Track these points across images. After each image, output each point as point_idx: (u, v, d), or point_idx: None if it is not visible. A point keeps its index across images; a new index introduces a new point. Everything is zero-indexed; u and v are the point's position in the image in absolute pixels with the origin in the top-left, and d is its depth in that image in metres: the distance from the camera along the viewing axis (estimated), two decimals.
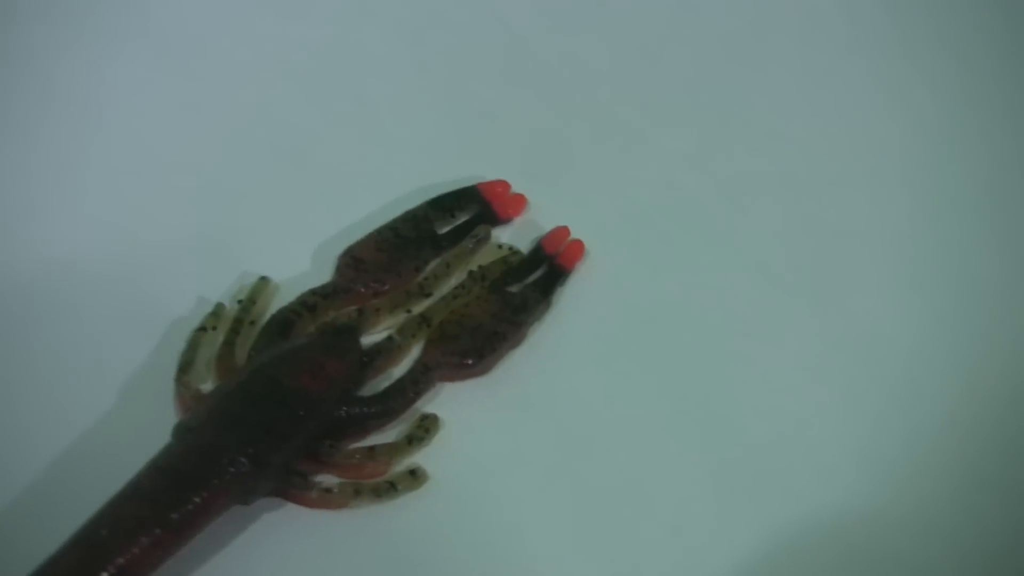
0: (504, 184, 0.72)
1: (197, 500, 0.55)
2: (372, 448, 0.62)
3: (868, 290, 0.70)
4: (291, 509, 0.61)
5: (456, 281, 0.68)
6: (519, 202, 0.72)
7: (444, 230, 0.70)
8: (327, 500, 0.60)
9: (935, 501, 0.62)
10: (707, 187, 0.74)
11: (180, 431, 0.58)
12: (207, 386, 0.62)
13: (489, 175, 0.73)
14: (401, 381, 0.64)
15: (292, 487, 0.60)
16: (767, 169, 0.74)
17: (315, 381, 0.61)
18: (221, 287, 0.67)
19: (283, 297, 0.67)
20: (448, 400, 0.65)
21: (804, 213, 0.72)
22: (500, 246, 0.70)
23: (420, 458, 0.63)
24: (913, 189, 0.74)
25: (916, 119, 0.76)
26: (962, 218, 0.73)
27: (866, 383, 0.66)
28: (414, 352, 0.66)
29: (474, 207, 0.71)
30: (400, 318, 0.67)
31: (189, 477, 0.56)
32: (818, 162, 0.75)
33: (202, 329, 0.65)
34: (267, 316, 0.65)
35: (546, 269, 0.69)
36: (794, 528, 0.62)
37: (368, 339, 0.66)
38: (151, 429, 0.59)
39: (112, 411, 0.63)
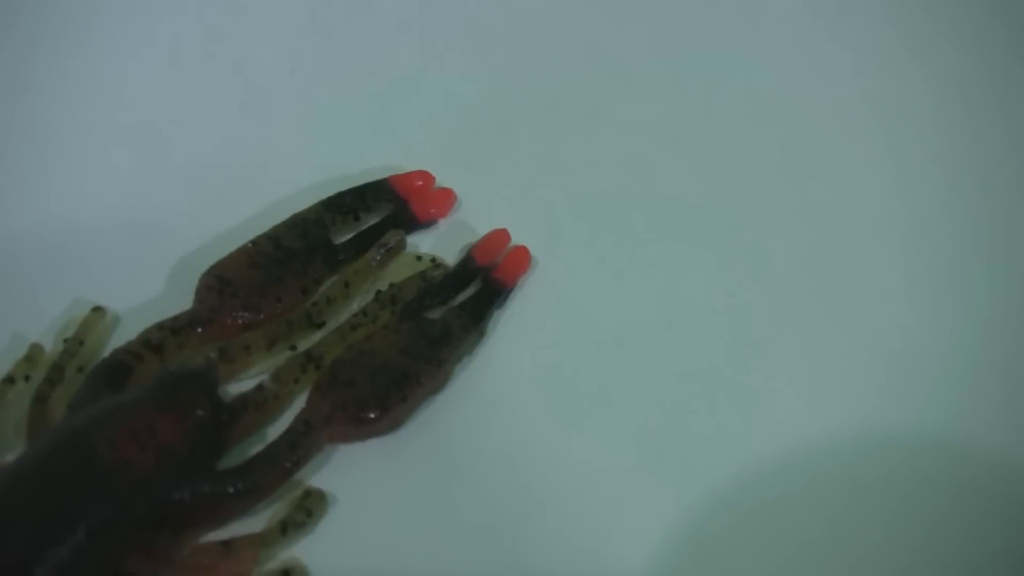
0: (425, 175, 0.59)
1: None
2: (230, 542, 0.48)
3: (871, 284, 0.58)
4: None
5: (357, 306, 0.55)
6: (446, 198, 0.58)
7: (344, 238, 0.57)
8: None
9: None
10: (682, 171, 0.61)
11: None
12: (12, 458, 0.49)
13: (406, 165, 0.59)
14: (274, 446, 0.50)
15: None
16: (754, 147, 0.62)
17: (143, 452, 0.47)
18: (41, 322, 0.54)
19: (124, 333, 0.53)
20: (341, 469, 0.51)
21: (799, 198, 0.60)
22: (419, 257, 0.56)
23: (299, 550, 0.49)
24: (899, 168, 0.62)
25: (909, 91, 0.65)
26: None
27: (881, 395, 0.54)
28: (297, 404, 0.51)
29: (385, 206, 0.58)
30: (280, 357, 0.53)
31: None
32: (813, 140, 0.62)
33: (8, 381, 0.51)
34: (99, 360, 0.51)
35: (479, 286, 0.56)
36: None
37: (234, 387, 0.52)
38: None
39: None
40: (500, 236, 0.57)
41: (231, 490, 0.48)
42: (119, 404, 0.48)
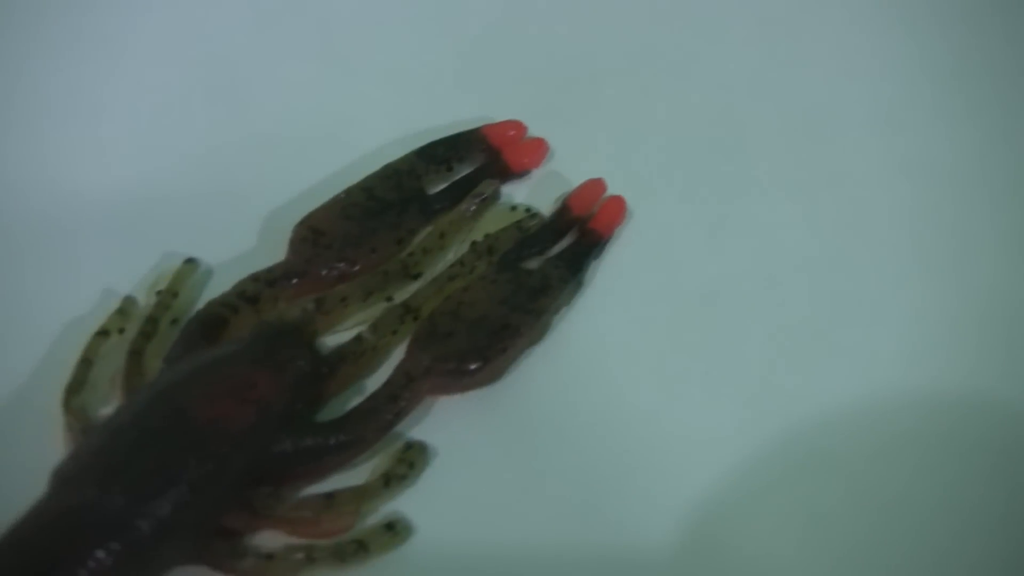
0: (517, 125, 0.56)
1: None
2: (331, 495, 0.46)
3: (971, 240, 0.55)
4: None
5: (453, 257, 0.52)
6: (537, 149, 0.56)
7: (437, 189, 0.54)
8: (268, 570, 0.44)
9: None
10: (774, 124, 0.58)
11: (55, 482, 0.43)
12: (110, 412, 0.47)
13: (497, 115, 0.57)
14: (374, 398, 0.48)
15: (217, 553, 0.44)
16: (848, 101, 0.59)
17: (242, 406, 0.45)
18: (134, 274, 0.52)
19: (217, 286, 0.51)
20: (441, 421, 0.49)
21: (894, 152, 0.57)
22: (513, 208, 0.54)
23: (401, 504, 0.47)
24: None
25: None
26: None
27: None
28: (395, 356, 0.49)
29: (478, 157, 0.55)
30: (377, 309, 0.50)
31: (60, 550, 0.41)
32: (907, 92, 0.59)
33: (103, 333, 0.49)
34: (193, 313, 0.50)
35: (575, 237, 0.53)
36: None
37: (332, 339, 0.50)
38: (27, 478, 0.43)
39: None
40: (596, 186, 0.54)
41: (332, 443, 0.46)
42: (217, 357, 0.47)
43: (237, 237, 0.53)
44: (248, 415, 0.45)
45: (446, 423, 0.49)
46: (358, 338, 0.49)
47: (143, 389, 0.46)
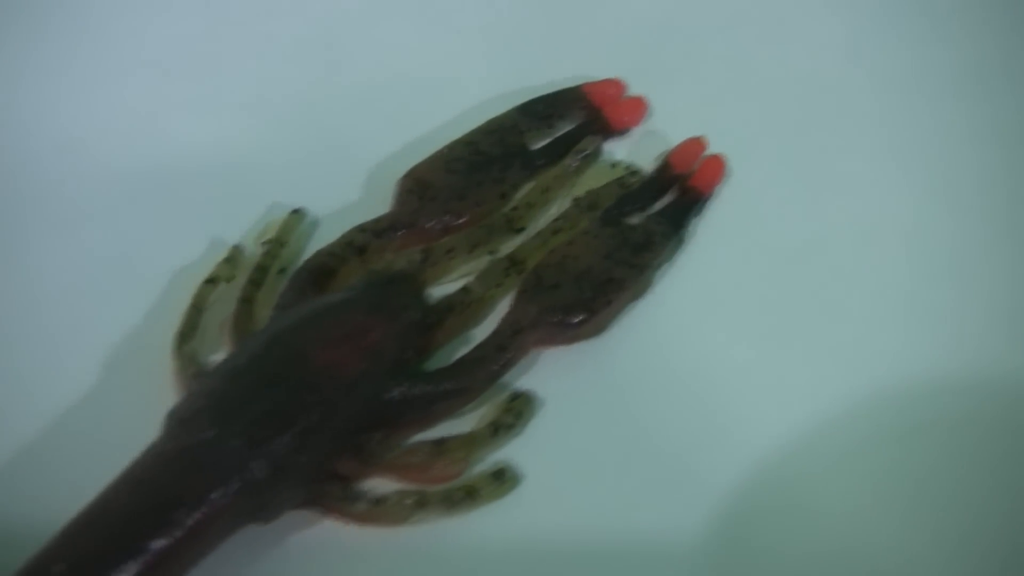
0: (617, 84, 0.55)
1: (190, 522, 0.40)
2: (441, 441, 0.45)
3: None
4: (330, 528, 0.44)
5: (556, 211, 0.52)
6: (637, 107, 0.55)
7: (539, 144, 0.54)
8: (379, 514, 0.44)
9: None
10: (874, 83, 0.57)
11: (171, 424, 0.43)
12: (219, 358, 0.47)
13: (597, 74, 0.56)
14: (481, 348, 0.47)
15: (329, 497, 0.44)
16: (940, 66, 0.57)
17: (356, 352, 0.45)
18: (241, 224, 0.51)
19: (323, 236, 0.51)
20: (546, 372, 0.48)
21: (986, 116, 0.56)
22: (613, 164, 0.53)
23: (508, 453, 0.46)
24: None
25: None
26: None
27: None
28: (500, 308, 0.49)
29: (578, 114, 0.55)
30: (481, 262, 0.50)
31: (178, 490, 0.41)
32: (997, 56, 0.58)
33: (212, 281, 0.49)
34: (301, 262, 0.49)
35: (676, 194, 0.52)
36: None
37: (437, 290, 0.49)
38: (139, 419, 0.43)
39: (87, 394, 0.47)
40: (696, 144, 0.53)
41: (441, 390, 0.46)
42: (331, 304, 0.46)
43: (341, 189, 0.52)
44: (362, 361, 0.44)
45: (551, 375, 0.48)
46: (465, 289, 0.48)
47: (258, 334, 0.46)
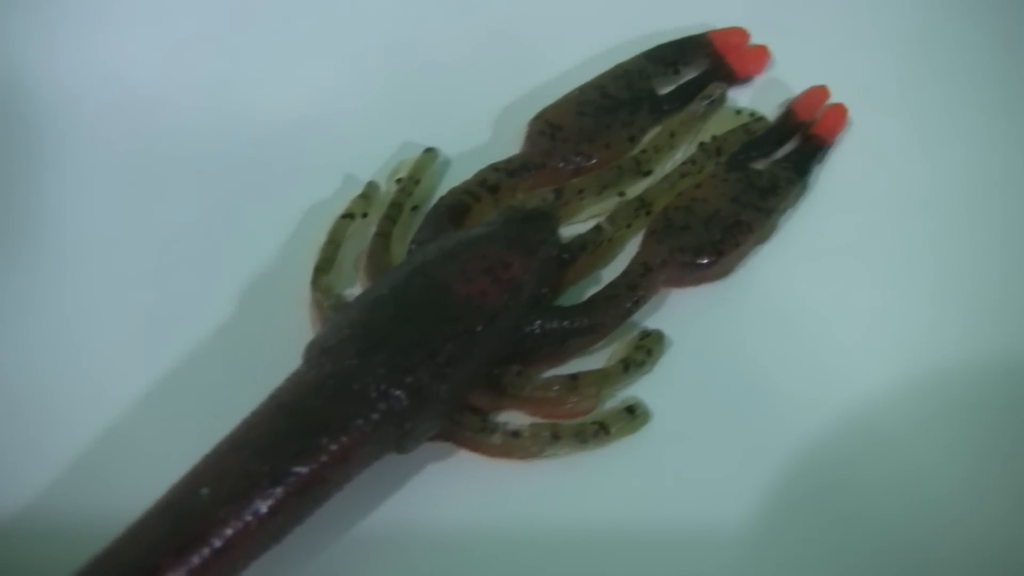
0: (741, 33, 0.54)
1: (334, 448, 0.39)
2: (576, 376, 0.45)
3: None
4: (464, 459, 0.44)
5: (683, 155, 0.51)
6: (760, 56, 0.54)
7: (665, 90, 0.53)
8: (514, 447, 0.44)
9: None
10: (998, 39, 0.55)
11: (313, 353, 0.42)
12: (353, 291, 0.47)
13: (720, 21, 0.55)
14: (614, 286, 0.47)
15: (466, 429, 0.43)
16: None
17: (496, 285, 0.44)
18: (374, 162, 0.51)
19: (454, 176, 0.50)
20: (673, 312, 0.48)
21: None
22: (738, 111, 0.52)
23: (638, 390, 0.45)
24: None
25: None
26: None
27: None
28: (628, 248, 0.48)
29: (703, 62, 0.54)
30: (610, 203, 0.49)
31: (322, 416, 0.40)
32: None
33: (348, 216, 0.48)
34: (433, 200, 0.49)
35: (799, 141, 0.51)
36: None
37: (568, 229, 0.48)
38: (278, 348, 0.44)
39: (225, 325, 0.47)
40: (819, 92, 0.52)
41: (575, 326, 0.45)
42: (471, 238, 0.45)
43: (470, 131, 0.52)
44: (502, 294, 0.44)
45: (678, 315, 0.47)
46: (597, 228, 0.48)
47: (399, 266, 0.45)
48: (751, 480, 0.44)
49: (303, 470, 0.39)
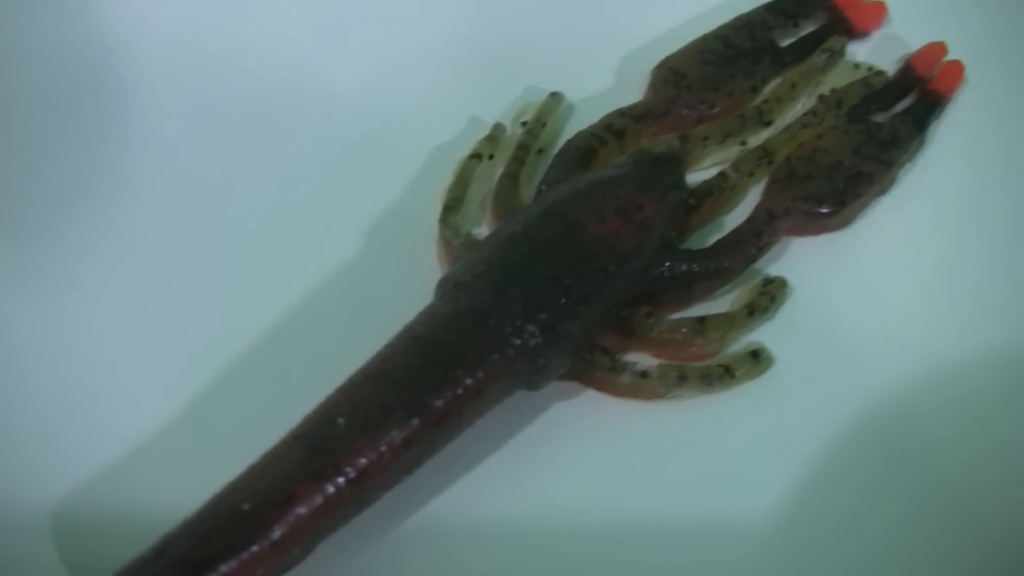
0: None
1: (468, 382, 0.39)
2: (702, 320, 0.44)
3: None
4: (592, 399, 0.43)
5: (803, 107, 0.50)
6: (878, 11, 0.53)
7: (785, 42, 0.52)
8: (641, 388, 0.43)
9: None
10: None
11: (446, 289, 0.42)
12: (480, 231, 0.46)
13: None
14: (738, 232, 0.46)
15: (596, 368, 0.43)
16: None
17: (629, 226, 0.43)
18: (499, 105, 0.50)
19: (578, 120, 0.49)
20: (795, 259, 0.47)
21: None
22: (856, 65, 0.51)
23: (761, 334, 0.45)
24: None
25: None
26: None
27: None
28: (748, 198, 0.48)
29: (821, 15, 0.53)
30: (731, 151, 0.49)
31: (457, 350, 0.39)
32: None
33: (475, 157, 0.48)
34: (559, 143, 0.48)
35: (917, 96, 0.51)
36: None
37: (690, 176, 0.48)
38: (404, 285, 0.44)
39: (354, 261, 0.46)
40: (937, 48, 0.51)
41: (702, 270, 0.45)
42: (604, 179, 0.45)
43: (593, 76, 0.51)
44: (634, 235, 0.43)
45: (798, 262, 0.47)
46: (722, 175, 0.47)
47: (531, 205, 0.44)
48: (867, 425, 0.43)
49: (439, 402, 0.38)
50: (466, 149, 0.48)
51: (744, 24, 0.51)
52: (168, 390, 0.43)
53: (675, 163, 0.46)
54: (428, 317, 0.41)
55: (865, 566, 0.41)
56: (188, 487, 0.37)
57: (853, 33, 0.52)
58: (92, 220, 0.47)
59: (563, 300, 0.41)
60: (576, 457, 0.42)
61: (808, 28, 0.52)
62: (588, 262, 0.42)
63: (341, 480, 0.37)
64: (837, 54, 0.51)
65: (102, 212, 0.47)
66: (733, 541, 0.41)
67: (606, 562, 0.41)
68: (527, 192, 0.47)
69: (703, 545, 0.41)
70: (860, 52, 0.52)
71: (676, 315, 0.45)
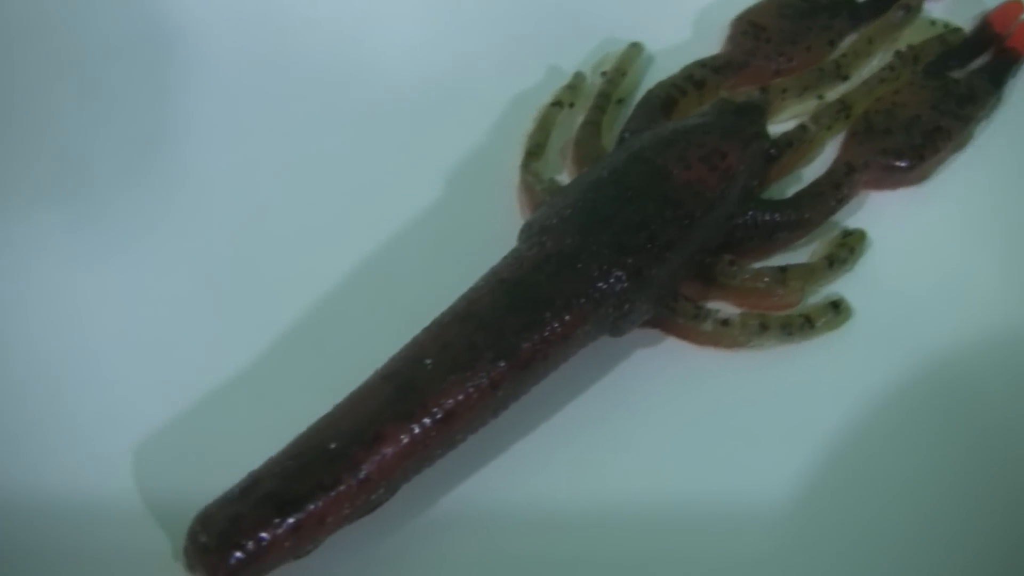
0: None
1: (555, 325, 0.39)
2: (784, 269, 0.43)
3: None
4: (674, 346, 0.43)
5: (880, 62, 0.49)
6: None
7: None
8: (723, 336, 0.43)
9: None
10: None
11: (531, 232, 0.41)
12: (560, 177, 0.46)
13: None
14: (818, 184, 0.45)
15: (679, 315, 0.42)
16: None
17: (713, 173, 0.43)
18: (578, 55, 0.50)
19: (657, 71, 0.49)
20: (872, 213, 0.46)
21: None
22: (933, 22, 0.51)
23: (840, 286, 0.44)
24: None
25: None
26: None
27: None
28: (827, 150, 0.47)
29: None
30: (808, 104, 0.48)
31: (544, 293, 0.39)
32: None
33: (556, 105, 0.47)
34: (638, 93, 0.48)
35: (993, 54, 0.50)
36: None
37: (770, 128, 0.47)
38: (487, 229, 0.44)
39: (437, 207, 0.46)
40: (1015, 7, 0.51)
41: (784, 220, 0.44)
42: (688, 127, 0.44)
43: (671, 29, 0.50)
44: (718, 183, 0.42)
45: (877, 215, 0.46)
46: (802, 127, 0.47)
47: (615, 152, 0.44)
48: (944, 378, 0.43)
49: (526, 344, 0.38)
50: (547, 97, 0.48)
51: None
52: (256, 331, 0.42)
53: (758, 113, 0.46)
54: (514, 260, 0.40)
55: (932, 509, 0.40)
56: (274, 428, 0.37)
57: None
58: (174, 164, 0.47)
59: (649, 245, 0.40)
60: (657, 404, 0.42)
61: None
62: (674, 208, 0.41)
63: (428, 421, 0.37)
64: (914, 10, 0.50)
65: (183, 154, 0.47)
66: (817, 486, 0.40)
67: (693, 505, 0.40)
68: (608, 140, 0.46)
69: (785, 493, 0.40)
70: (937, 9, 0.51)
71: (757, 264, 0.44)
